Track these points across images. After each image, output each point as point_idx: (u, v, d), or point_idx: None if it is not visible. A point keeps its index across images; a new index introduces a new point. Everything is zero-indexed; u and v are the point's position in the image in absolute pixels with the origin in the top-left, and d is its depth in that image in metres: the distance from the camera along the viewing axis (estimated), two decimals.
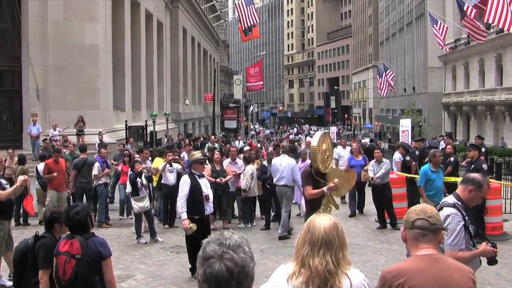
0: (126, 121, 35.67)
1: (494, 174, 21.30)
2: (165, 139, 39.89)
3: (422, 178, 13.63)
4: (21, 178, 9.71)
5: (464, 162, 19.86)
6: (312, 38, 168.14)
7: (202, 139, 36.55)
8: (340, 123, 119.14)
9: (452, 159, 18.10)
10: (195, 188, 11.28)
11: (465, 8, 37.16)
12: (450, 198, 6.51)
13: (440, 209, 6.31)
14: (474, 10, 36.48)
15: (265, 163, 18.17)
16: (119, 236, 16.45)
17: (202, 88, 76.50)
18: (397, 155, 20.11)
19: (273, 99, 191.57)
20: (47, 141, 25.90)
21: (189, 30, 64.14)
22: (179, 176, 16.75)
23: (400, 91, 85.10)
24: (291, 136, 72.62)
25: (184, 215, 11.16)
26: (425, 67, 79.25)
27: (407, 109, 76.76)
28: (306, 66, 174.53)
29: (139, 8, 43.68)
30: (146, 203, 15.38)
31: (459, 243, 6.13)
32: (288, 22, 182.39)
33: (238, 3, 47.70)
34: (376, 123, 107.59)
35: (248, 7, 46.84)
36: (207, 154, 19.46)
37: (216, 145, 29.59)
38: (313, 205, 10.97)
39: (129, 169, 16.48)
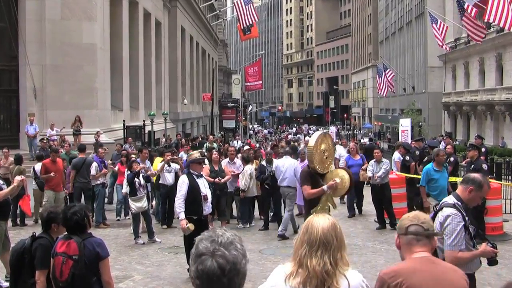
0: (124, 121, 35.56)
1: (494, 174, 21.32)
2: (163, 139, 39.73)
3: (424, 177, 13.50)
4: (18, 178, 9.62)
5: (464, 162, 19.82)
6: (311, 37, 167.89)
7: (200, 139, 36.37)
8: (340, 123, 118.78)
9: (452, 159, 17.96)
10: (193, 188, 11.22)
11: (465, 7, 37.02)
12: (450, 198, 6.49)
13: (440, 209, 6.34)
14: (474, 9, 36.34)
15: (263, 163, 17.99)
16: (116, 237, 16.39)
17: (200, 88, 76.37)
18: (396, 155, 20.11)
19: (272, 99, 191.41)
20: (44, 141, 25.82)
21: (187, 29, 64.07)
22: (177, 176, 16.71)
23: (399, 91, 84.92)
24: (290, 136, 72.44)
25: (182, 215, 11.10)
26: (425, 66, 79.05)
27: (407, 108, 76.53)
28: (305, 65, 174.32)
29: (137, 7, 43.69)
30: (144, 203, 15.29)
31: (459, 243, 6.11)
32: (287, 21, 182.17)
33: (237, 2, 47.47)
34: (375, 123, 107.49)
35: (247, 6, 46.71)
36: (206, 154, 19.23)
37: (215, 145, 29.50)
38: (312, 205, 10.90)
39: (126, 169, 16.38)
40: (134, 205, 15.21)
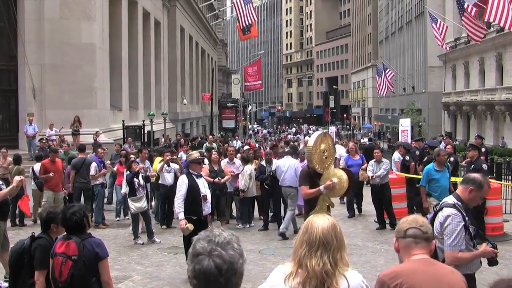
0: (123, 121, 35.66)
1: (494, 174, 21.23)
2: (163, 139, 39.67)
3: (424, 178, 13.41)
4: (17, 178, 9.54)
5: (464, 162, 19.76)
6: (311, 37, 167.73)
7: (199, 139, 36.30)
8: (339, 123, 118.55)
9: (452, 159, 17.91)
10: (193, 188, 11.19)
11: (465, 7, 36.95)
12: (450, 199, 6.48)
13: (440, 209, 6.34)
14: (474, 9, 36.27)
15: (263, 163, 17.92)
16: (116, 237, 16.34)
17: (200, 88, 76.29)
18: (396, 155, 20.20)
19: (272, 99, 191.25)
20: (44, 141, 25.74)
21: (186, 29, 64.02)
22: (176, 176, 16.77)
23: (399, 91, 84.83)
24: (289, 136, 72.34)
25: (181, 215, 11.07)
26: (425, 66, 78.95)
27: (407, 108, 76.42)
28: (304, 65, 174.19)
29: (136, 7, 43.62)
30: (143, 204, 15.25)
31: (459, 243, 6.11)
32: (286, 21, 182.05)
33: (236, 1, 47.41)
34: (375, 122, 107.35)
35: (246, 6, 46.66)
36: (205, 154, 19.18)
37: (214, 145, 29.44)
38: (311, 205, 10.90)
39: (125, 169, 16.37)
40: (133, 205, 15.16)
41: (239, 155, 20.16)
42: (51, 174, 16.82)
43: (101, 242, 6.57)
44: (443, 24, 44.94)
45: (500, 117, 54.52)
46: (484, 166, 15.60)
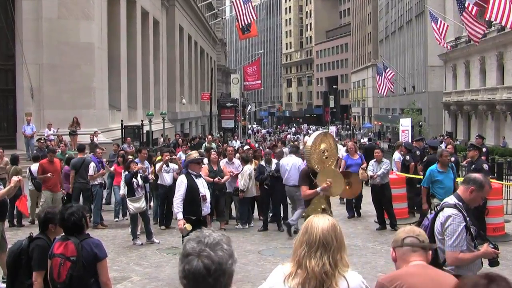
0: (122, 121, 35.72)
1: (495, 174, 21.18)
2: (161, 139, 39.55)
3: (427, 179, 13.32)
4: (15, 178, 9.48)
5: (464, 162, 19.76)
6: (311, 36, 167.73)
7: (198, 139, 36.18)
8: (339, 123, 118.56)
9: (452, 159, 17.69)
10: (192, 188, 11.12)
11: (465, 6, 36.81)
12: (451, 199, 6.48)
13: (441, 209, 6.34)
14: (475, 8, 36.14)
15: (262, 163, 17.88)
16: (114, 237, 16.32)
17: (199, 87, 76.14)
18: (396, 155, 20.24)
19: (271, 98, 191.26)
20: (42, 141, 25.71)
21: (185, 29, 63.91)
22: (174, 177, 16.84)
23: (399, 90, 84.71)
24: (289, 136, 72.21)
25: (180, 215, 11.01)
26: (425, 65, 78.83)
27: (407, 108, 76.33)
28: (304, 64, 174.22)
29: (135, 6, 43.58)
30: (142, 204, 15.22)
31: (460, 244, 6.10)
32: (286, 20, 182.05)
33: (236, 0, 47.27)
34: (375, 122, 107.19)
35: (245, 5, 46.55)
36: (204, 154, 19.02)
37: (213, 145, 29.40)
38: None
39: (123, 169, 16.36)
40: (132, 206, 15.11)
41: (238, 155, 20.14)
42: (49, 175, 16.80)
43: (100, 242, 6.54)
44: (444, 23, 44.84)
45: (501, 116, 54.34)
46: (485, 166, 15.53)
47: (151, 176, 17.65)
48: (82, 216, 6.42)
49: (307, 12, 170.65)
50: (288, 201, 18.49)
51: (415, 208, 17.91)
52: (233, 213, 19.15)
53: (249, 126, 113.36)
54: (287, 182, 16.29)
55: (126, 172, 15.58)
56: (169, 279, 11.70)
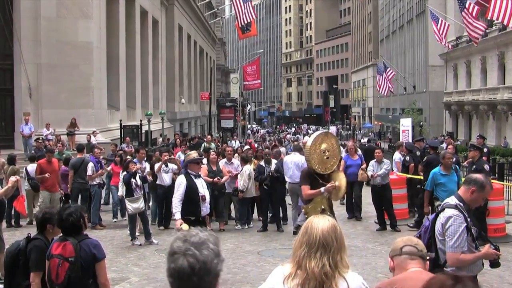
0: (120, 121, 35.84)
1: (497, 175, 21.16)
2: (160, 139, 39.42)
3: (430, 182, 13.17)
4: (12, 179, 9.49)
5: (465, 163, 19.76)
6: (311, 35, 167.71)
7: (197, 139, 36.05)
8: (339, 123, 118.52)
9: (453, 159, 17.54)
10: (191, 189, 11.09)
11: (467, 5, 36.74)
12: (452, 199, 6.43)
13: (442, 210, 6.30)
14: (476, 7, 36.05)
15: (262, 163, 17.74)
16: (113, 238, 16.28)
17: (198, 87, 76.19)
18: (397, 155, 20.13)
19: (271, 98, 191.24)
20: (40, 141, 25.60)
21: (185, 28, 63.84)
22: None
23: (400, 90, 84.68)
24: (288, 136, 72.01)
25: (178, 215, 11.00)
26: (426, 65, 78.77)
27: (408, 108, 76.36)
28: (304, 64, 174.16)
29: (134, 5, 43.55)
30: (140, 204, 15.17)
31: (461, 245, 6.08)
32: (286, 19, 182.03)
33: (235, 0, 47.04)
34: (375, 122, 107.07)
35: (245, 4, 46.48)
36: (203, 154, 18.89)
37: (212, 145, 29.38)
38: None
39: (121, 169, 16.33)
40: (130, 206, 15.05)
41: (236, 155, 20.17)
42: (47, 175, 16.77)
43: (98, 243, 6.52)
44: (445, 23, 44.80)
45: (502, 116, 54.24)
46: (486, 166, 15.46)
47: (149, 178, 17.53)
48: (80, 216, 6.38)
49: (307, 11, 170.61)
50: (289, 201, 18.60)
51: (416, 208, 17.74)
52: (233, 214, 19.10)
53: (249, 126, 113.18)
54: (292, 180, 16.25)
55: (125, 172, 15.53)
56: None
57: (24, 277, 6.81)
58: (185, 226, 10.52)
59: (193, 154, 11.93)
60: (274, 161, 17.56)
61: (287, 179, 17.10)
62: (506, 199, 17.52)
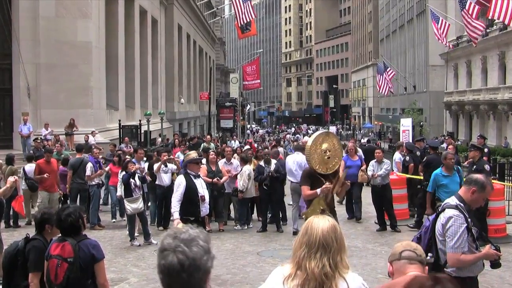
0: (119, 121, 35.66)
1: (497, 175, 21.06)
2: (159, 139, 39.32)
3: (432, 183, 13.06)
4: (11, 179, 9.44)
5: (466, 163, 19.68)
6: (311, 35, 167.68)
7: (197, 139, 35.95)
8: (339, 123, 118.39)
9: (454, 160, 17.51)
10: (190, 189, 11.20)
11: (467, 5, 36.63)
12: (453, 200, 6.43)
13: (442, 210, 6.29)
14: (476, 7, 35.94)
15: (261, 163, 17.66)
16: (112, 238, 16.29)
17: (197, 87, 76.09)
18: (397, 156, 20.16)
19: (271, 98, 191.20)
20: (38, 141, 25.53)
21: (184, 28, 63.73)
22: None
23: (400, 90, 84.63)
24: (288, 136, 71.93)
25: (176, 215, 11.07)
26: (426, 65, 78.76)
27: (408, 108, 76.31)
28: (304, 64, 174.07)
29: (133, 5, 43.44)
30: (139, 205, 15.15)
31: (462, 245, 6.08)
32: (285, 19, 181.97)
33: None
34: (376, 122, 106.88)
35: (244, 4, 46.31)
36: (202, 154, 18.83)
37: (212, 145, 29.36)
38: None
39: (120, 170, 16.35)
40: (129, 206, 15.04)
41: (236, 155, 20.21)
42: (45, 175, 16.80)
43: (97, 243, 6.54)
44: (445, 22, 44.67)
45: (503, 116, 54.19)
46: (487, 166, 15.40)
47: (148, 178, 17.47)
48: (79, 217, 6.38)
49: (307, 10, 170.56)
50: (288, 201, 18.70)
51: (416, 208, 17.75)
52: (232, 214, 19.12)
53: (248, 126, 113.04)
54: (295, 179, 16.25)
55: (124, 173, 15.51)
56: None
57: (23, 278, 6.79)
58: (181, 226, 10.41)
59: (193, 154, 11.98)
60: (273, 161, 17.51)
61: (289, 178, 17.08)
62: (506, 199, 17.47)
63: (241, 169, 17.63)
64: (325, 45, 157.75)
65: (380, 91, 67.52)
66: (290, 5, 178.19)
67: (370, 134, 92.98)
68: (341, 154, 11.42)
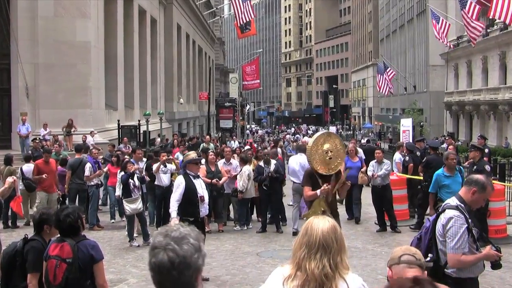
0: (118, 121, 35.40)
1: (498, 175, 21.04)
2: (158, 139, 39.25)
3: (433, 184, 12.88)
4: (9, 180, 9.31)
5: (466, 163, 19.68)
6: (310, 35, 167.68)
7: (196, 139, 35.88)
8: (339, 123, 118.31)
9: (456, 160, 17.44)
10: (190, 189, 11.22)
11: (467, 4, 36.58)
12: (453, 200, 6.41)
13: (443, 211, 6.28)
14: (477, 6, 35.88)
15: (261, 163, 17.65)
16: (111, 239, 16.35)
17: (197, 87, 76.03)
18: (397, 156, 20.12)
19: (270, 98, 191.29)
20: (37, 141, 25.49)
21: (183, 27, 63.67)
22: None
23: (400, 90, 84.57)
24: (288, 136, 71.85)
25: (174, 214, 11.11)
26: (427, 65, 78.69)
27: (408, 108, 76.22)
28: (304, 64, 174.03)
29: (132, 4, 43.35)
30: (138, 205, 15.19)
31: (462, 246, 6.07)
32: (285, 18, 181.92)
33: None
34: (376, 122, 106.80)
35: (244, 3, 46.18)
36: (201, 154, 18.80)
37: (211, 145, 29.39)
38: None
39: (119, 170, 16.46)
40: (128, 207, 15.04)
41: (235, 155, 20.27)
42: (44, 176, 16.80)
43: (96, 244, 6.54)
44: (446, 22, 44.62)
45: (503, 117, 54.09)
46: (487, 167, 15.32)
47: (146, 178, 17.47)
48: (78, 217, 6.38)
49: (306, 10, 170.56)
50: (289, 202, 18.73)
51: (416, 209, 17.73)
52: (231, 215, 19.13)
53: (248, 126, 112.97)
54: (298, 180, 16.24)
55: (123, 173, 15.52)
56: None
57: (21, 279, 6.77)
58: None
59: (192, 154, 11.98)
60: (273, 162, 17.50)
61: (292, 179, 17.07)
62: (507, 200, 17.42)
63: (241, 170, 17.57)
64: (325, 45, 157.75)
65: (380, 91, 67.49)
66: (289, 5, 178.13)
67: (370, 134, 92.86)
68: (344, 155, 11.39)
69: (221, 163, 18.09)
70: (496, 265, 6.44)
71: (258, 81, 76.04)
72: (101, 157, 20.89)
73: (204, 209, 11.49)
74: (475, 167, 14.99)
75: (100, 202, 19.57)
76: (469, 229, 6.13)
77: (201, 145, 29.50)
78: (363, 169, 18.12)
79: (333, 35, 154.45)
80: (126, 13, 41.78)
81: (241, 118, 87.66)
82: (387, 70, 62.33)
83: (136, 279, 11.87)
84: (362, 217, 18.83)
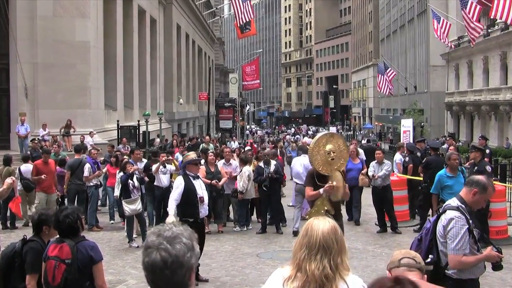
0: (118, 121, 35.36)
1: (499, 176, 20.92)
2: (158, 139, 39.14)
3: (436, 184, 12.71)
4: (8, 180, 9.25)
5: (467, 164, 19.39)
6: (311, 35, 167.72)
7: (196, 139, 35.82)
8: (339, 123, 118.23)
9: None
10: (189, 190, 11.20)
11: (468, 4, 36.53)
12: (454, 201, 6.39)
13: (443, 212, 6.26)
14: (478, 6, 35.83)
15: (261, 164, 17.59)
16: (110, 240, 16.32)
17: (196, 87, 76.05)
18: (398, 157, 20.22)
19: (270, 98, 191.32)
20: (36, 141, 25.37)
21: (183, 27, 63.72)
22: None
23: (401, 90, 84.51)
24: (287, 137, 71.80)
25: (171, 212, 11.09)
26: (427, 65, 78.71)
27: (409, 108, 76.17)
28: (304, 64, 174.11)
29: (132, 4, 43.30)
30: (138, 206, 15.17)
31: (463, 247, 6.05)
32: (285, 18, 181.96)
33: None
34: (376, 123, 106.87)
35: (244, 3, 46.17)
36: (200, 155, 18.70)
37: (211, 145, 29.36)
38: None
39: (118, 170, 16.53)
40: (128, 208, 15.01)
41: (235, 155, 20.38)
42: (42, 177, 16.77)
43: (95, 245, 6.53)
44: (446, 22, 44.57)
45: (504, 117, 54.10)
46: (488, 168, 15.24)
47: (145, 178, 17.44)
48: (77, 218, 6.38)
49: (307, 10, 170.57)
50: (289, 203, 18.75)
51: (416, 210, 17.80)
52: (231, 215, 19.12)
53: (247, 127, 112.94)
54: (297, 180, 16.35)
55: (122, 173, 15.55)
56: None
57: (20, 280, 6.73)
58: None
59: (191, 155, 11.99)
60: (273, 163, 17.45)
61: (296, 180, 17.02)
62: (508, 200, 17.41)
63: (241, 170, 17.55)
64: (325, 45, 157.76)
65: (381, 91, 67.45)
66: (290, 5, 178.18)
67: (370, 135, 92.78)
68: (347, 156, 11.30)
69: (220, 163, 18.06)
70: (497, 266, 6.41)
71: (258, 81, 76.07)
72: (101, 158, 20.76)
73: (203, 210, 11.44)
74: (476, 168, 14.88)
75: (99, 202, 19.56)
76: (470, 230, 6.10)
77: (201, 145, 29.44)
78: (364, 171, 17.97)
79: (333, 35, 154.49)
80: (126, 13, 41.71)
81: (241, 118, 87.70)
82: (388, 71, 62.32)
83: (135, 280, 11.79)
84: (362, 218, 18.80)
